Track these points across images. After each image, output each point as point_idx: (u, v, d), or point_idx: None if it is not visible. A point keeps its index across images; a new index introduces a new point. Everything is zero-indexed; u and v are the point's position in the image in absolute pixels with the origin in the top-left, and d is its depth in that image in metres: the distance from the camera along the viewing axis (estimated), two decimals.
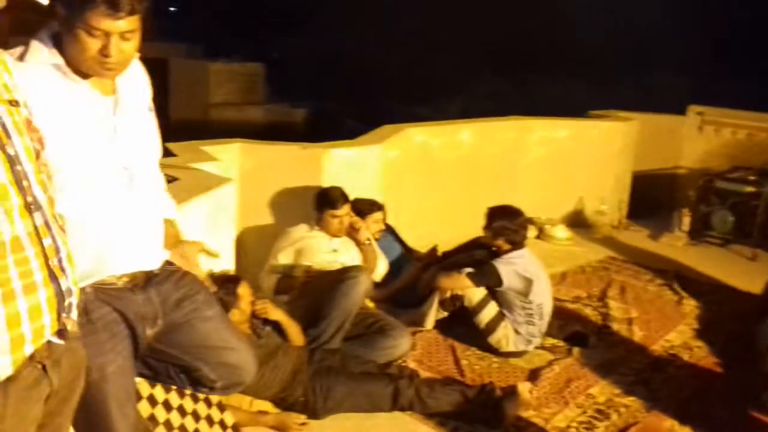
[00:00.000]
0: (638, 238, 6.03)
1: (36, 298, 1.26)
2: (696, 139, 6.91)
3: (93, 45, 1.58)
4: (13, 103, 1.33)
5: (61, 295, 1.32)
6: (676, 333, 4.04)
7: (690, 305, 4.48)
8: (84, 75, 1.65)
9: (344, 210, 3.69)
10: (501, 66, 15.25)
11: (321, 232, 3.71)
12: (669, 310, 4.39)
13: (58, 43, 1.62)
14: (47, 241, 1.30)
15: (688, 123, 6.97)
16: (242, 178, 4.08)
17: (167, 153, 3.51)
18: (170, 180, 2.62)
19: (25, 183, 1.27)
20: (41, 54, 1.61)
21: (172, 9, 24.72)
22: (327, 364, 2.99)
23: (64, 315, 1.33)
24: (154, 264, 1.82)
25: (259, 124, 15.40)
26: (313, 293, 3.40)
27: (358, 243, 3.79)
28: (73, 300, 1.38)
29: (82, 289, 1.64)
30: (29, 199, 1.27)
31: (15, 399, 1.24)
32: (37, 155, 1.34)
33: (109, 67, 1.62)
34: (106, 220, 1.68)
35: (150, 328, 1.77)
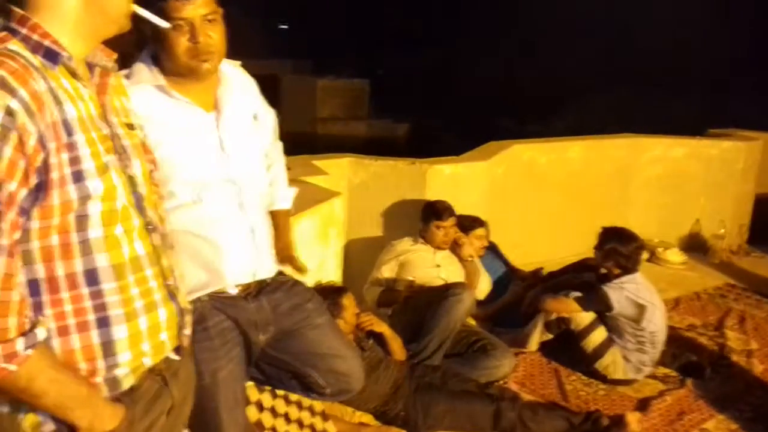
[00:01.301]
0: (760, 264, 5.64)
1: (156, 317, 1.30)
2: None
3: (181, 38, 1.63)
4: (131, 126, 1.37)
5: (180, 313, 1.37)
6: None
7: None
8: (186, 92, 1.71)
9: (449, 222, 3.70)
10: (613, 80, 14.76)
11: (425, 245, 3.73)
12: None
13: (158, 63, 1.70)
14: (165, 261, 1.34)
15: None
16: (350, 191, 4.18)
17: None
18: None
19: (144, 204, 1.32)
20: (144, 75, 1.69)
21: (282, 27, 25.72)
22: (428, 380, 2.99)
23: (182, 332, 1.38)
24: (265, 273, 1.88)
25: (362, 139, 15.72)
26: (415, 308, 3.42)
27: (461, 259, 3.78)
28: (188, 317, 1.42)
29: (198, 299, 1.74)
30: (147, 219, 1.32)
31: (141, 409, 1.28)
32: (151, 176, 1.39)
33: (203, 58, 1.66)
34: (218, 233, 1.75)
35: (262, 334, 1.84)
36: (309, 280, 2.88)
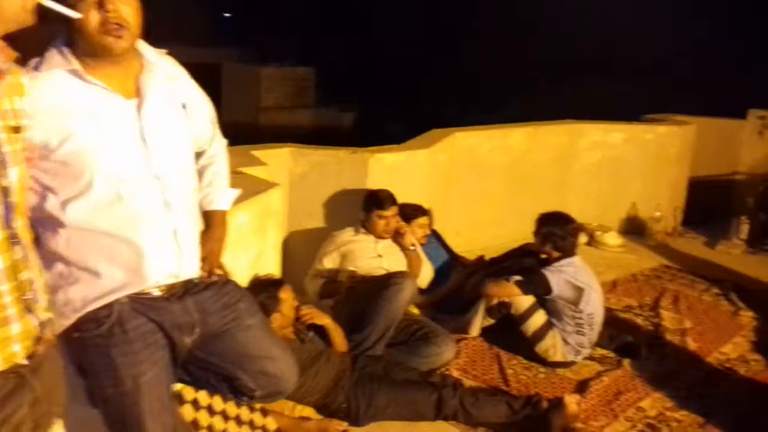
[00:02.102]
0: (693, 245, 5.84)
1: (8, 331, 1.28)
2: (756, 143, 6.66)
3: (91, 11, 1.56)
4: (17, 129, 1.33)
5: (39, 326, 1.36)
6: (731, 345, 3.89)
7: (747, 317, 4.30)
8: (103, 76, 1.63)
9: (391, 211, 3.69)
10: (555, 70, 15.04)
11: (367, 236, 3.72)
12: (724, 321, 4.23)
13: (74, 49, 1.62)
14: (25, 275, 1.32)
15: (748, 127, 6.72)
16: (291, 182, 4.12)
17: None
18: None
19: (13, 215, 1.29)
20: (55, 60, 1.61)
21: (226, 15, 25.22)
22: (370, 371, 2.98)
23: (40, 341, 1.37)
24: (189, 275, 1.81)
25: (307, 128, 15.59)
26: (357, 299, 3.40)
27: (403, 248, 3.78)
28: (48, 328, 1.41)
29: (117, 300, 1.67)
30: (12, 232, 1.29)
31: None
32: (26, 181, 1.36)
33: (116, 33, 1.58)
34: (138, 233, 1.67)
35: (188, 337, 1.78)
36: (246, 273, 2.84)
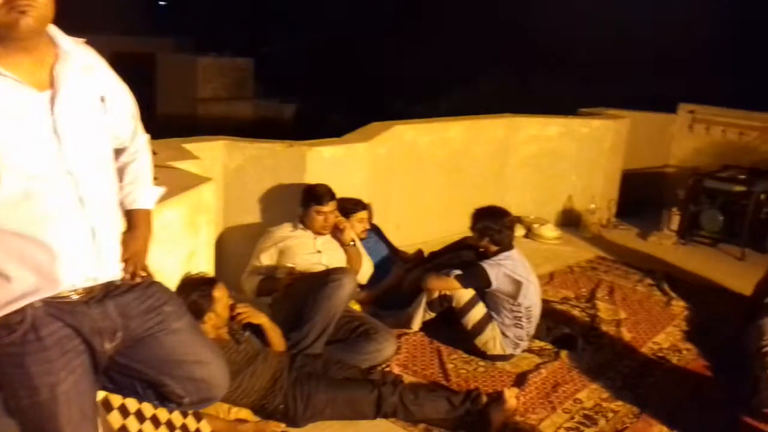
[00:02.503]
0: (627, 237, 5.99)
1: None
2: (686, 137, 6.89)
3: None
4: None
5: None
6: (664, 335, 3.99)
7: (679, 306, 4.43)
8: (12, 66, 1.52)
9: (330, 207, 3.62)
10: (498, 64, 15.22)
11: (305, 231, 3.64)
12: (658, 311, 4.34)
13: None
14: None
15: (679, 121, 6.94)
16: (225, 176, 4.00)
17: None
18: None
19: None
20: None
21: (162, 2, 24.52)
22: (308, 370, 2.91)
23: None
24: (109, 277, 1.71)
25: (247, 120, 15.30)
26: (296, 296, 3.33)
27: (343, 244, 3.72)
28: None
29: (30, 305, 1.56)
30: None
31: None
32: None
33: (20, 8, 1.46)
34: (51, 233, 1.56)
35: (108, 342, 1.68)
36: (177, 272, 2.73)
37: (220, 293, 2.73)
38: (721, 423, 3.07)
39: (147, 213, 1.92)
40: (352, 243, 3.73)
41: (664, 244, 5.79)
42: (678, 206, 5.97)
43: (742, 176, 5.76)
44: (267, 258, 3.59)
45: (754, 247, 5.54)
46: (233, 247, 3.93)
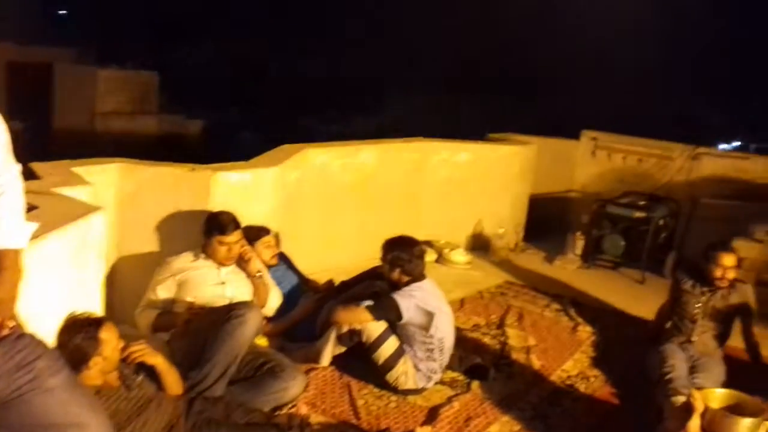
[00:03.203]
0: (534, 261, 6.09)
1: None
2: (589, 163, 7.12)
3: None
4: None
5: None
6: (572, 362, 4.03)
7: (586, 331, 4.50)
8: None
9: (234, 237, 3.42)
10: (417, 85, 15.41)
11: (207, 261, 3.42)
12: (565, 337, 4.39)
13: None
14: None
15: (582, 148, 7.17)
16: (120, 202, 3.72)
17: (30, 175, 3.14)
18: (29, 209, 2.28)
19: None
20: None
21: (61, 12, 23.40)
22: (207, 416, 2.70)
23: None
24: None
25: (151, 136, 14.75)
26: (197, 332, 3.10)
27: (249, 275, 3.52)
28: None
29: None
30: None
31: None
32: None
33: None
34: None
35: None
36: (60, 313, 2.46)
37: (108, 335, 2.48)
38: None
39: (16, 253, 1.70)
40: (259, 274, 3.53)
41: (568, 268, 5.92)
42: (582, 231, 6.12)
43: (642, 202, 5.99)
44: (164, 291, 3.34)
45: (654, 271, 5.75)
46: (129, 279, 3.65)
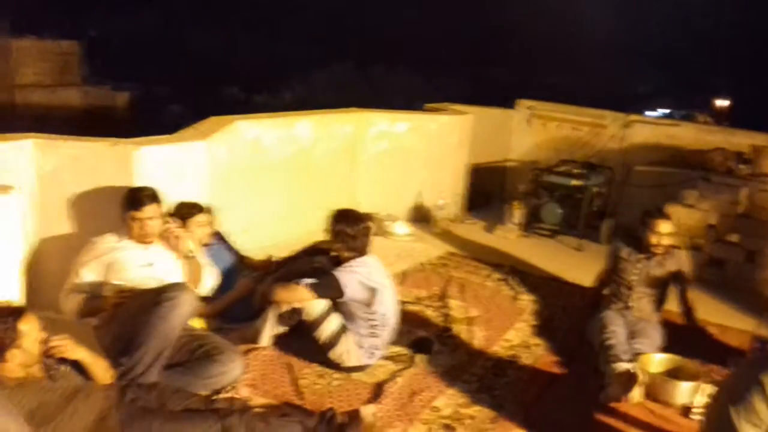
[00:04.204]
0: (474, 231, 6.09)
1: None
2: (525, 132, 7.15)
3: None
4: None
5: None
6: (515, 331, 4.04)
7: (526, 300, 4.52)
8: None
9: (148, 212, 3.18)
10: (341, 56, 15.16)
11: (132, 241, 3.22)
12: (507, 306, 4.40)
13: None
14: None
15: (518, 117, 7.19)
16: (39, 180, 3.46)
17: None
18: None
19: None
20: None
21: None
22: (142, 404, 2.54)
23: None
24: None
25: (76, 109, 14.09)
26: (125, 317, 2.93)
27: (180, 254, 3.34)
28: None
29: None
30: None
31: None
32: None
33: None
34: None
35: None
36: None
37: (27, 326, 2.30)
38: (574, 420, 3.11)
39: None
40: (191, 254, 3.35)
41: (508, 237, 5.95)
42: (520, 200, 6.15)
43: (578, 170, 6.05)
44: (90, 273, 3.13)
45: (590, 238, 5.84)
46: (51, 262, 3.42)
